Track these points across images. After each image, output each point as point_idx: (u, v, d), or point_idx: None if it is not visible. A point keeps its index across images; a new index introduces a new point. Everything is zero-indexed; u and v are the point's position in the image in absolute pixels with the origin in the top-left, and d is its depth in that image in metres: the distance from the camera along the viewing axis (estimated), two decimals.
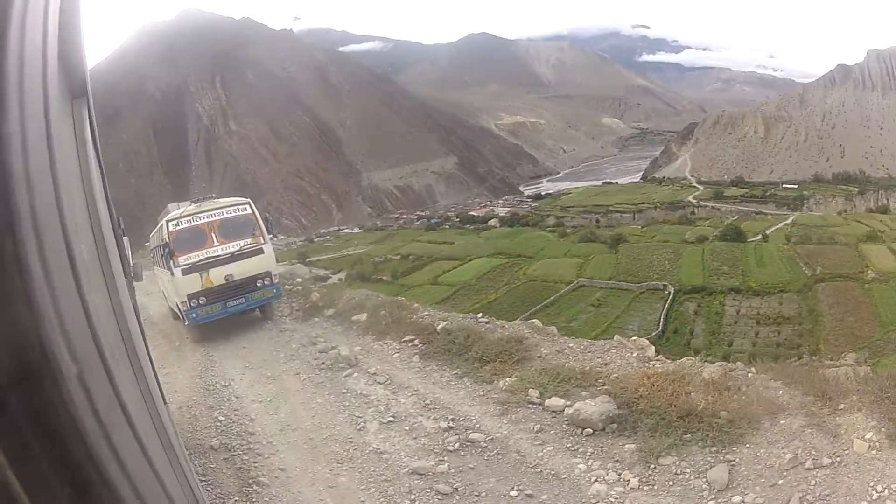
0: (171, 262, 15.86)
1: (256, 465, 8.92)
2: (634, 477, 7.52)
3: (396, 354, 12.60)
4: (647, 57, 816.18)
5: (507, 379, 10.06)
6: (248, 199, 17.78)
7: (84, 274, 1.49)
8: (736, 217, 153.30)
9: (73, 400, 0.78)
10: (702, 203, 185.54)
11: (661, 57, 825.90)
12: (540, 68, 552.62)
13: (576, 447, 8.05)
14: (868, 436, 7.02)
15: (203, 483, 8.56)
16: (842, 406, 7.66)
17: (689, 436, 7.73)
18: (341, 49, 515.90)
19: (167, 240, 16.03)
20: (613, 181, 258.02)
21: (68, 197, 1.52)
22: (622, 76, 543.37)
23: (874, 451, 6.85)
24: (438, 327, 12.84)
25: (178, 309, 16.73)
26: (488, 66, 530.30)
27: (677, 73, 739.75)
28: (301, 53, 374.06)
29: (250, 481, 8.48)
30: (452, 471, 8.06)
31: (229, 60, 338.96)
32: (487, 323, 13.08)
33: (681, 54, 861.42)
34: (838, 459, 6.93)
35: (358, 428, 9.57)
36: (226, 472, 8.92)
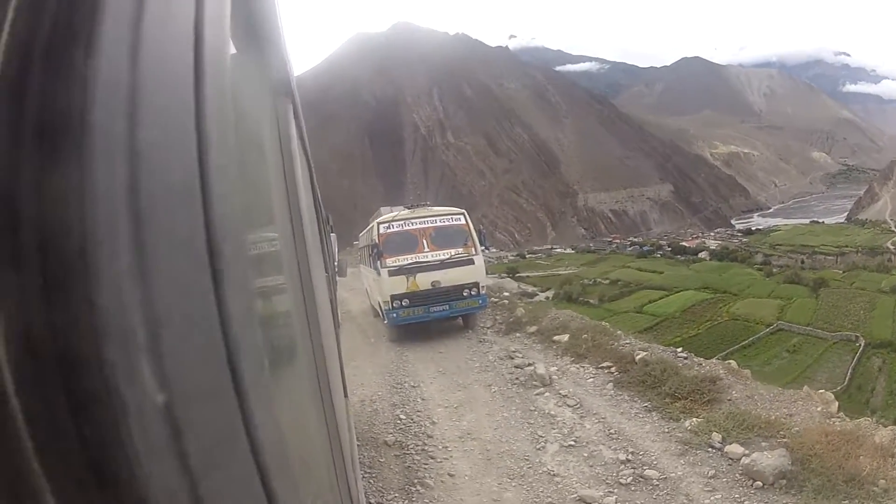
0: (379, 262, 16.28)
1: (426, 466, 8.96)
2: None
3: (591, 379, 12.29)
4: (849, 87, 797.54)
5: (695, 419, 9.54)
6: (463, 210, 17.93)
7: (264, 269, 1.51)
8: None
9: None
10: None
11: (862, 87, 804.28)
12: (752, 96, 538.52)
13: (742, 499, 7.50)
14: None
15: (367, 474, 8.76)
16: None
17: (846, 502, 7.06)
18: (558, 68, 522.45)
19: (377, 241, 16.48)
20: (820, 220, 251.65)
21: (260, 190, 1.58)
22: (828, 107, 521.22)
23: None
24: (637, 357, 12.38)
25: (380, 308, 17.21)
26: (702, 92, 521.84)
27: (877, 105, 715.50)
28: (517, 71, 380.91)
29: (416, 481, 8.52)
30: None
31: (445, 74, 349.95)
32: (686, 358, 12.46)
33: (879, 85, 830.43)
34: None
35: (537, 447, 9.38)
36: (393, 468, 9.00)
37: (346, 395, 4.65)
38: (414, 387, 12.68)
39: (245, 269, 0.80)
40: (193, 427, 0.47)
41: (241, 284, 0.64)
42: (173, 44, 0.54)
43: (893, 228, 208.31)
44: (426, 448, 9.57)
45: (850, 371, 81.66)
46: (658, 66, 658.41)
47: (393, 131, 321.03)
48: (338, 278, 11.83)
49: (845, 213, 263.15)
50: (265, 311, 1.37)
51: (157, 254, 0.46)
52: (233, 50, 1.26)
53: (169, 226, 0.48)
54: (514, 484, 8.29)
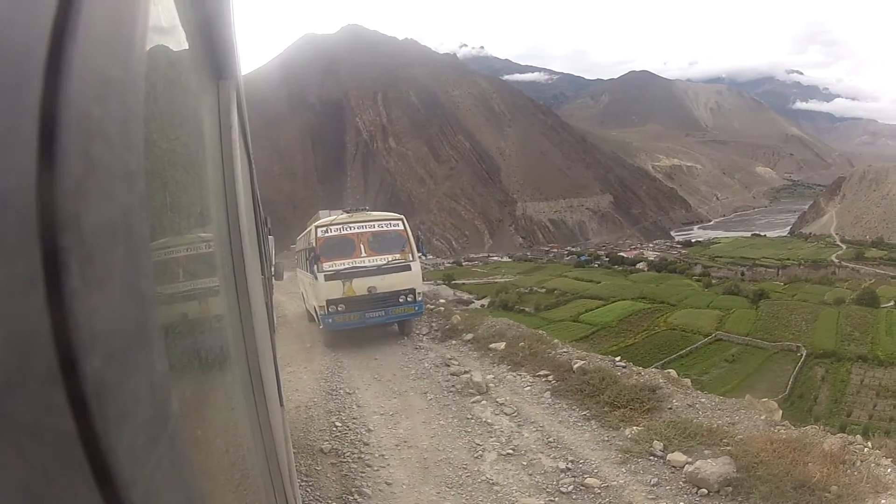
0: (316, 266, 16.05)
1: (363, 475, 8.79)
2: None
3: (528, 388, 12.23)
4: (800, 105, 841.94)
5: (635, 427, 9.58)
6: (402, 216, 17.76)
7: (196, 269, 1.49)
8: (873, 280, 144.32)
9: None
10: (843, 263, 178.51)
11: (813, 105, 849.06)
12: (698, 111, 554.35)
13: None
14: None
15: (304, 483, 8.58)
16: None
17: None
18: (505, 77, 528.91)
19: (314, 244, 16.27)
20: (762, 233, 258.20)
21: (192, 183, 1.48)
22: (776, 124, 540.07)
23: None
24: (575, 366, 12.39)
25: (316, 312, 16.96)
26: (648, 106, 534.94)
27: (828, 123, 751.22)
28: (463, 78, 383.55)
29: (353, 490, 8.35)
30: None
31: (391, 79, 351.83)
32: (624, 367, 12.53)
33: (831, 103, 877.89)
34: None
35: (475, 455, 9.29)
36: (330, 477, 8.83)
37: (281, 404, 4.46)
38: (349, 393, 12.48)
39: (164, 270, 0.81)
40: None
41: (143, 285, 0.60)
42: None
43: (838, 242, 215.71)
44: (363, 456, 9.40)
45: (791, 380, 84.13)
46: (605, 79, 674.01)
47: (336, 135, 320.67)
48: (274, 282, 11.63)
49: (788, 227, 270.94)
50: (189, 315, 1.31)
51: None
52: (177, 24, 1.26)
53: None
54: (452, 493, 8.19)
